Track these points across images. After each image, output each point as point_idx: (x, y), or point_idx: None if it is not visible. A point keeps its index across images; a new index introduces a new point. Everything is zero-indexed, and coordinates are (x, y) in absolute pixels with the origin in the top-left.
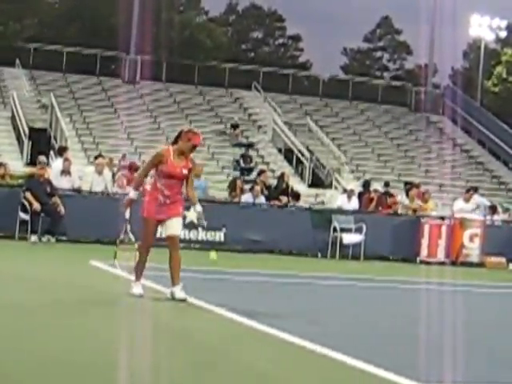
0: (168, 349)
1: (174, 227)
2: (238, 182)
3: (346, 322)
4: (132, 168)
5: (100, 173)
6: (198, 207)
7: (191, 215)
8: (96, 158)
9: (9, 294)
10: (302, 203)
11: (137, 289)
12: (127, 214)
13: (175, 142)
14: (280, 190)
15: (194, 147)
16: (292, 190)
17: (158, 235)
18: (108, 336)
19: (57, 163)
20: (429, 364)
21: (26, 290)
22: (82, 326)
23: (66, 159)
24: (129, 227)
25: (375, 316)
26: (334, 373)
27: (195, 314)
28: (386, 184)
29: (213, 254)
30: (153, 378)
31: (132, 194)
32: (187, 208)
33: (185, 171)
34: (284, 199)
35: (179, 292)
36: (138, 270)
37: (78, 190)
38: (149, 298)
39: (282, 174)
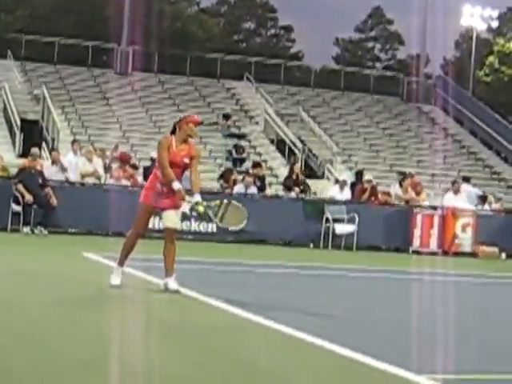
0: (163, 341)
1: (171, 219)
2: (234, 173)
3: (340, 313)
4: (123, 159)
5: (90, 160)
6: (197, 197)
7: (184, 206)
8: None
9: (1, 287)
10: (293, 193)
11: (115, 279)
12: (186, 207)
13: (173, 132)
14: (293, 180)
15: (196, 125)
16: (303, 181)
17: (150, 226)
18: (103, 330)
19: (69, 157)
20: (422, 354)
21: (19, 282)
22: (76, 319)
23: (54, 150)
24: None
25: (369, 307)
26: (329, 364)
27: (189, 305)
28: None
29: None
30: (149, 371)
31: (176, 185)
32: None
33: (186, 160)
34: (296, 190)
35: (172, 283)
36: (123, 255)
37: (71, 182)
38: (142, 290)
39: (292, 165)
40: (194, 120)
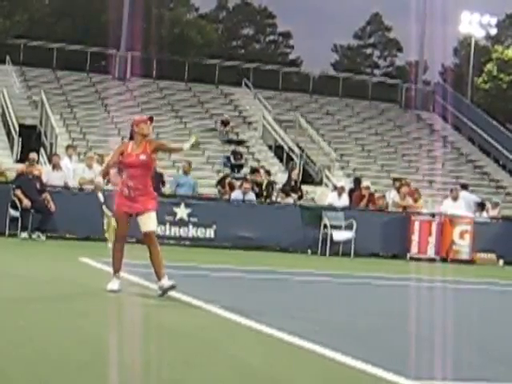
0: (158, 345)
1: (147, 223)
2: (228, 180)
3: (336, 319)
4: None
5: (90, 167)
6: (190, 141)
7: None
8: (85, 154)
9: None
10: (291, 200)
11: (112, 284)
12: (101, 198)
13: (131, 138)
14: (291, 186)
15: (146, 123)
16: (300, 187)
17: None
18: (98, 333)
19: (64, 162)
20: (419, 361)
21: (16, 287)
22: (72, 323)
23: (55, 154)
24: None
25: (365, 312)
26: (323, 369)
27: (185, 310)
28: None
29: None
30: (143, 374)
31: (99, 178)
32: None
33: (142, 157)
34: (294, 196)
35: (167, 281)
36: (115, 264)
37: (68, 187)
38: (138, 295)
39: (291, 171)
40: (141, 120)
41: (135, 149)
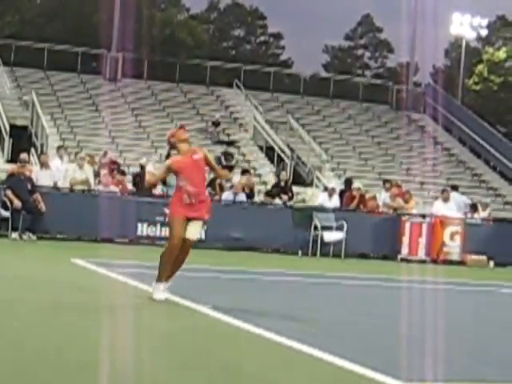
0: (153, 348)
1: (192, 231)
2: (218, 180)
3: (328, 321)
4: (112, 166)
5: (81, 167)
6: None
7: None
8: (76, 154)
9: None
10: (278, 201)
11: (159, 293)
12: None
13: (168, 156)
14: (280, 187)
15: (179, 130)
16: (290, 188)
17: (139, 233)
18: (94, 334)
19: (54, 163)
20: (411, 362)
21: (7, 288)
22: (65, 325)
23: (43, 153)
24: None
25: (357, 314)
26: (317, 371)
27: (180, 313)
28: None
29: None
30: (138, 378)
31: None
32: None
33: (196, 156)
34: (284, 198)
35: (160, 292)
36: (163, 271)
37: (59, 188)
38: (133, 297)
39: (280, 172)
40: (174, 131)
41: (185, 155)
